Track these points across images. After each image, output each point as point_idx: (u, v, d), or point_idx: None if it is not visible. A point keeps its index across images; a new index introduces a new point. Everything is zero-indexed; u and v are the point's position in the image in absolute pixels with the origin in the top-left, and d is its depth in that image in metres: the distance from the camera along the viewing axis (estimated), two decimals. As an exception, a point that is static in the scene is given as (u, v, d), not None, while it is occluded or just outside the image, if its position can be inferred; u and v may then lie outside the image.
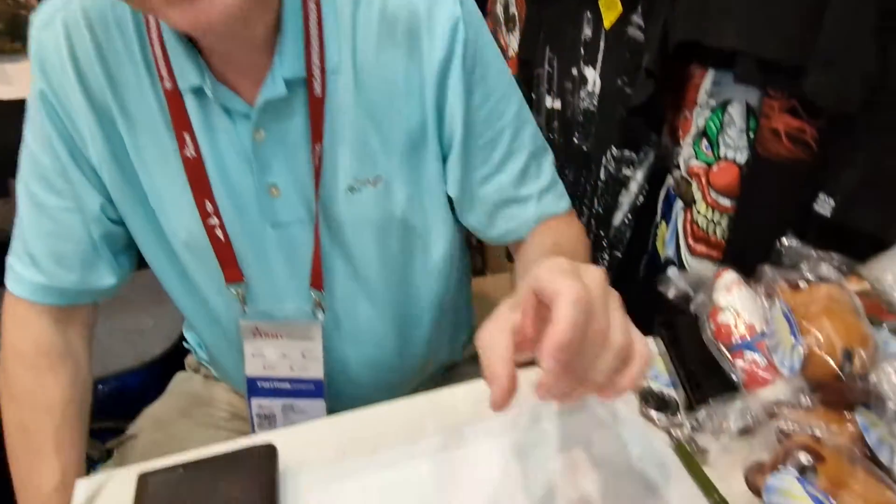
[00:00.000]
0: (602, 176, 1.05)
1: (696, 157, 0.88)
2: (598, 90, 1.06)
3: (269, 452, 0.59)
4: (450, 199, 0.77)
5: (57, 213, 0.71)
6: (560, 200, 0.77)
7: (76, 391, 0.75)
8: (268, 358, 0.80)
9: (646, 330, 0.49)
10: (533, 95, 1.24)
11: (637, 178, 1.00)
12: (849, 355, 0.56)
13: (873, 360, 0.55)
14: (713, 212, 0.86)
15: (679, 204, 0.93)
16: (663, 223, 1.00)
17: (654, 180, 1.01)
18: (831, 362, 0.56)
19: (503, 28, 1.46)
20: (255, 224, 0.71)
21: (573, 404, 0.67)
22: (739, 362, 0.63)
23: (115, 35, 0.65)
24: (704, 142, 0.86)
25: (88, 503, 0.58)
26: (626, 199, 1.03)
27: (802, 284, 0.62)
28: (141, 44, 0.65)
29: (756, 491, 0.54)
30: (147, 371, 1.39)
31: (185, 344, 1.00)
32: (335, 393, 0.81)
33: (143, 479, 0.56)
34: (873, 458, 0.53)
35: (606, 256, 1.08)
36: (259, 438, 0.60)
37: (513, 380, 0.43)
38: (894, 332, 0.58)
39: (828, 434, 0.54)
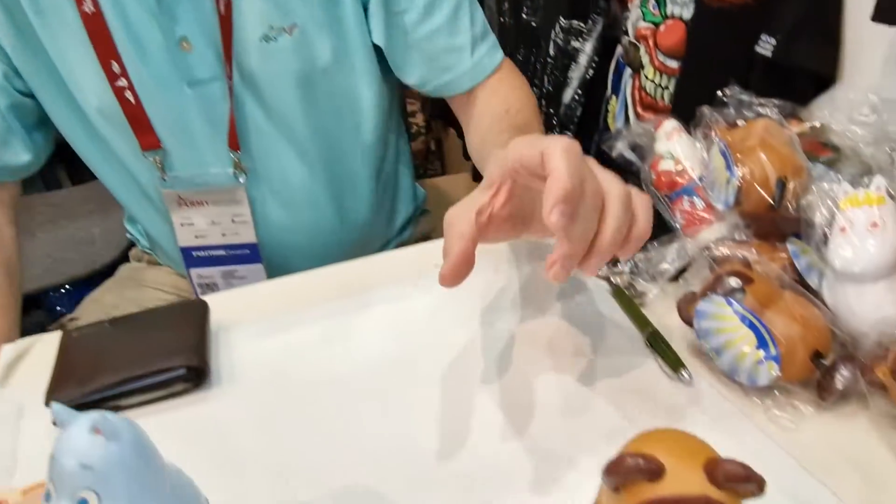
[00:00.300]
0: (551, 51, 1.02)
1: (644, 19, 0.85)
2: (545, -40, 1.02)
3: (200, 307, 0.57)
4: (382, 57, 0.74)
5: None
6: (495, 51, 0.76)
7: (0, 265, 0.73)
8: (198, 226, 0.79)
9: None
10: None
11: (586, 49, 0.98)
12: (782, 185, 0.55)
13: (806, 189, 0.55)
14: (660, 76, 0.84)
15: (627, 72, 0.91)
16: (613, 97, 0.98)
17: (604, 53, 0.98)
18: (764, 193, 0.56)
19: None
20: (169, 84, 0.67)
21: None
22: (678, 207, 0.63)
23: None
24: (652, 1, 0.83)
25: (14, 364, 0.56)
26: (576, 74, 1.00)
27: (740, 122, 0.60)
28: None
29: (688, 321, 0.54)
30: (98, 278, 1.37)
31: (127, 236, 0.97)
32: (276, 261, 0.80)
33: (67, 335, 0.54)
34: (802, 283, 0.53)
35: (557, 134, 1.06)
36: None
37: (466, 257, 0.42)
38: (828, 165, 0.58)
39: (758, 260, 0.54)
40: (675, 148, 0.64)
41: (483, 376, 0.54)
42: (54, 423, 0.32)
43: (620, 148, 0.73)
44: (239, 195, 0.76)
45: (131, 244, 0.98)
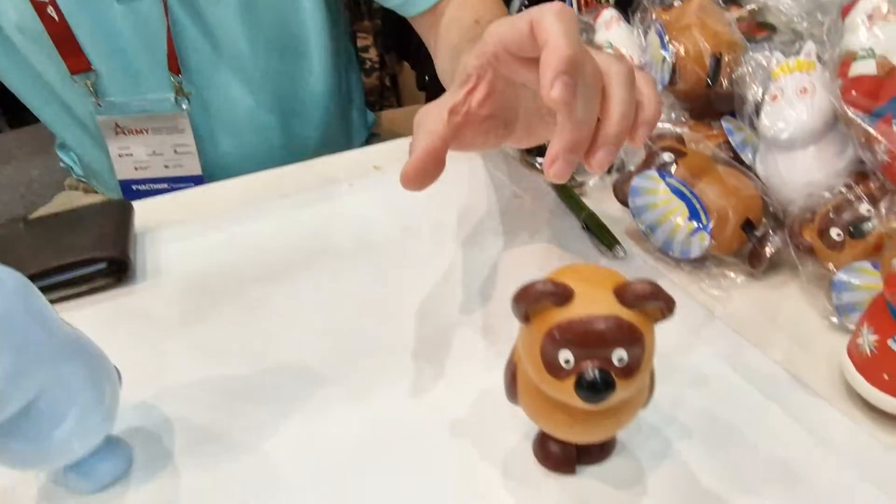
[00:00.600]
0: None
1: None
2: None
3: (122, 206, 0.55)
4: None
5: None
6: None
7: None
8: (137, 157, 0.75)
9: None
10: None
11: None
12: (717, 61, 0.54)
13: (741, 64, 0.54)
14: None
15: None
16: None
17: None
18: (698, 69, 0.55)
19: None
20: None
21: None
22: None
23: None
24: None
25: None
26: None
27: (677, 3, 0.59)
28: None
29: (624, 200, 0.54)
30: (38, 220, 1.34)
31: (61, 165, 0.93)
32: None
33: (-22, 235, 0.52)
34: (737, 160, 0.53)
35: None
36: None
37: (433, 155, 0.36)
38: (763, 42, 0.57)
39: (692, 137, 0.53)
40: (613, 37, 0.63)
41: (411, 267, 0.53)
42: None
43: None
44: (181, 123, 0.72)
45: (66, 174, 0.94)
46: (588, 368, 0.29)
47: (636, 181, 0.51)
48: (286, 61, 0.75)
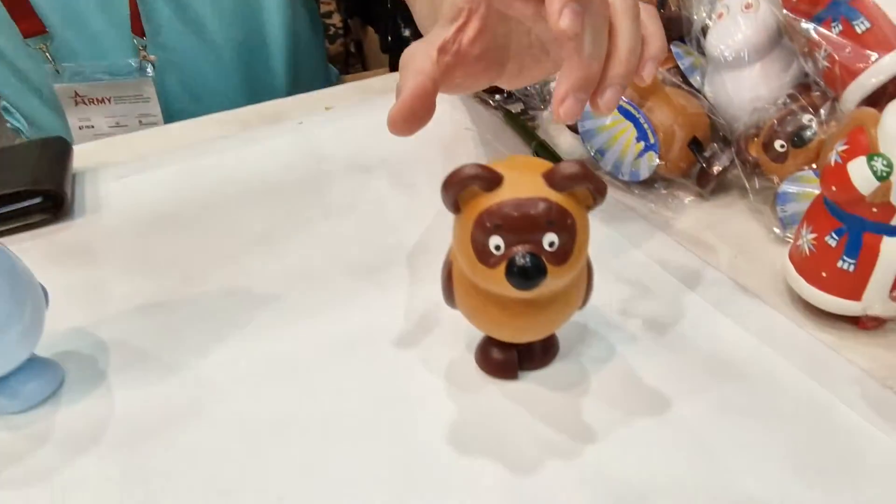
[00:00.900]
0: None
1: None
2: None
3: (60, 142, 0.53)
4: None
5: None
6: None
7: None
8: (99, 129, 0.72)
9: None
10: None
11: None
12: (665, -16, 0.54)
13: (689, -12, 0.54)
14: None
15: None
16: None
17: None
18: (647, -7, 0.54)
19: None
20: None
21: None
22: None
23: None
24: None
25: None
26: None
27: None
28: None
29: (574, 127, 0.53)
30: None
31: (7, 126, 0.90)
32: None
33: None
34: (686, 83, 0.52)
35: None
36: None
37: (422, 96, 0.32)
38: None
39: (641, 61, 0.53)
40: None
41: (361, 199, 0.52)
42: None
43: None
44: (147, 91, 0.68)
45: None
46: (518, 253, 0.28)
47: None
48: (250, 23, 0.72)
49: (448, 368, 0.37)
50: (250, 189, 0.52)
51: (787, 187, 0.44)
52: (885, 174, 0.32)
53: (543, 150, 0.54)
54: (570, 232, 0.29)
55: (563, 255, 0.29)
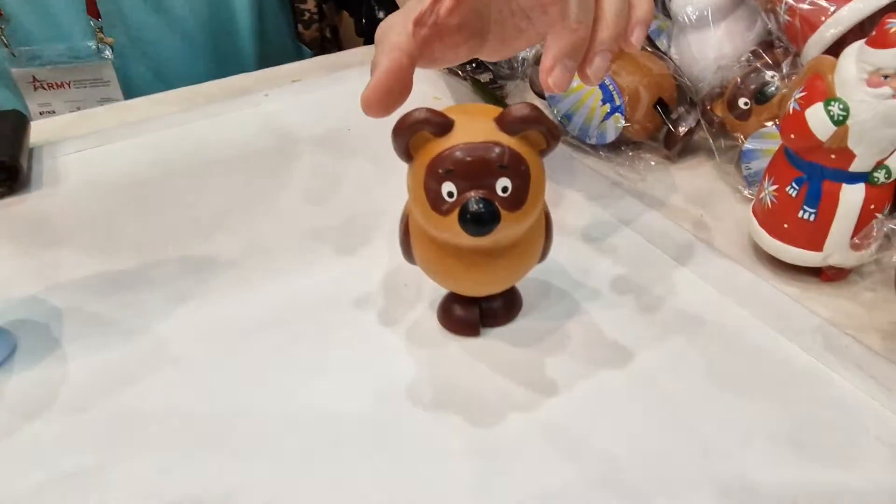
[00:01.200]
0: None
1: None
2: None
3: (16, 115, 0.52)
4: None
5: None
6: None
7: None
8: (60, 113, 0.69)
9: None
10: None
11: None
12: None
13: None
14: None
15: None
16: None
17: None
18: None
19: None
20: None
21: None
22: None
23: None
24: None
25: None
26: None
27: None
28: None
29: (540, 92, 0.53)
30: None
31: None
32: None
33: None
34: (652, 45, 0.52)
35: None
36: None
37: (398, 73, 0.30)
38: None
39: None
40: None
41: (327, 168, 0.51)
42: None
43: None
44: (106, 74, 0.67)
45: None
46: (471, 199, 0.28)
47: (550, 68, 0.50)
48: (213, 5, 0.71)
49: (411, 327, 0.36)
50: (211, 161, 0.51)
51: (751, 144, 0.43)
52: (841, 118, 0.32)
53: (510, 116, 0.53)
54: (524, 177, 0.28)
55: (517, 200, 0.28)
